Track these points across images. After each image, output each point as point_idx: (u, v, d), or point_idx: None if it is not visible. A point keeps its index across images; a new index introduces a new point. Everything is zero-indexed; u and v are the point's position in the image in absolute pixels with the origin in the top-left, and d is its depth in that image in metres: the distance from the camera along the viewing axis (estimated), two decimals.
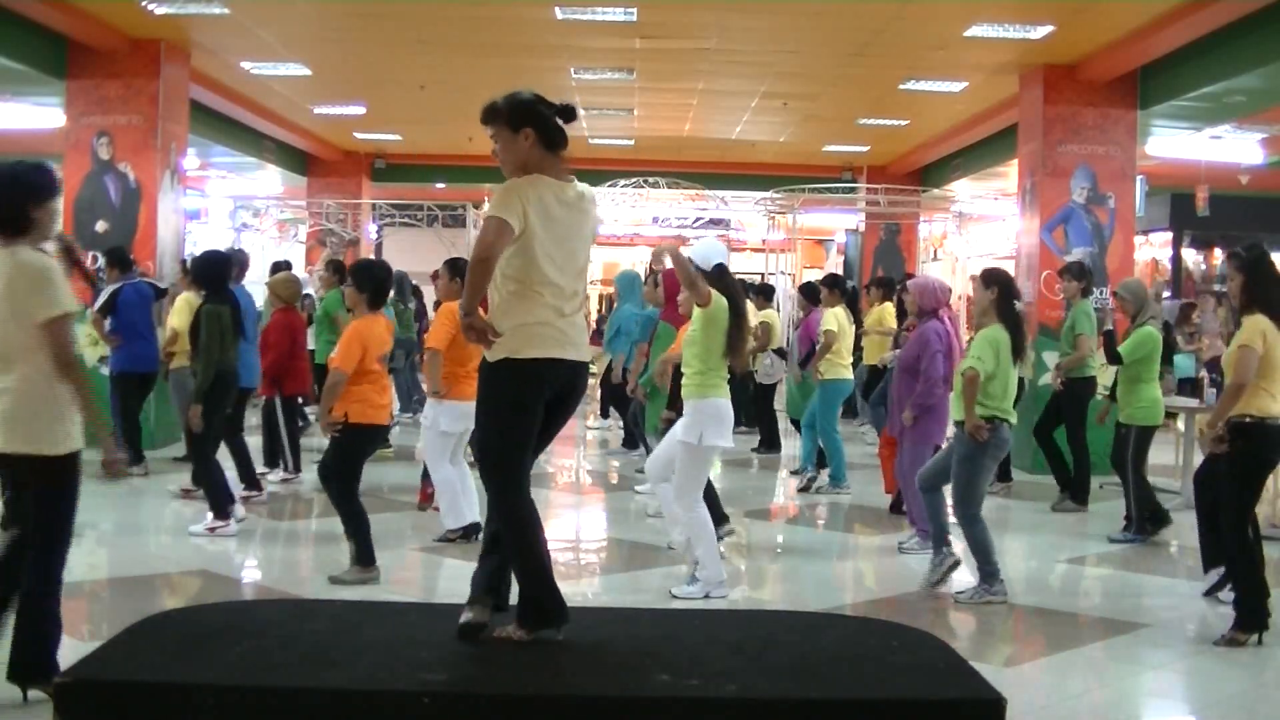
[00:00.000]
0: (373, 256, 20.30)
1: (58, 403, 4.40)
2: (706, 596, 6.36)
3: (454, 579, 6.90)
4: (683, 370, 6.46)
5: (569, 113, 4.29)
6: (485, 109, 4.27)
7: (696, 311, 6.34)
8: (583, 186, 4.33)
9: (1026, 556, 8.22)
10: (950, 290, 8.08)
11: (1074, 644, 5.98)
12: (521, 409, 4.19)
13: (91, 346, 11.60)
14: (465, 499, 7.50)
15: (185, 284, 10.64)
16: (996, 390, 6.46)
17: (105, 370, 11.18)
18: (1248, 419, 5.79)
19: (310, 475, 9.89)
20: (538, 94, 4.30)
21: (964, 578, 6.79)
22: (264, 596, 6.49)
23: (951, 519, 6.82)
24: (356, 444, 6.60)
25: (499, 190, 4.17)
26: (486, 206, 20.58)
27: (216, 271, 8.08)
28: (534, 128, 4.20)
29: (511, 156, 4.23)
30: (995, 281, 6.66)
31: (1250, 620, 5.81)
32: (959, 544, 6.82)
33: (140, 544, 7.84)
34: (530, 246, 4.10)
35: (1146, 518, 8.32)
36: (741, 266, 21.96)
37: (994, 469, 6.74)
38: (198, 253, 9.44)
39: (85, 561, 7.43)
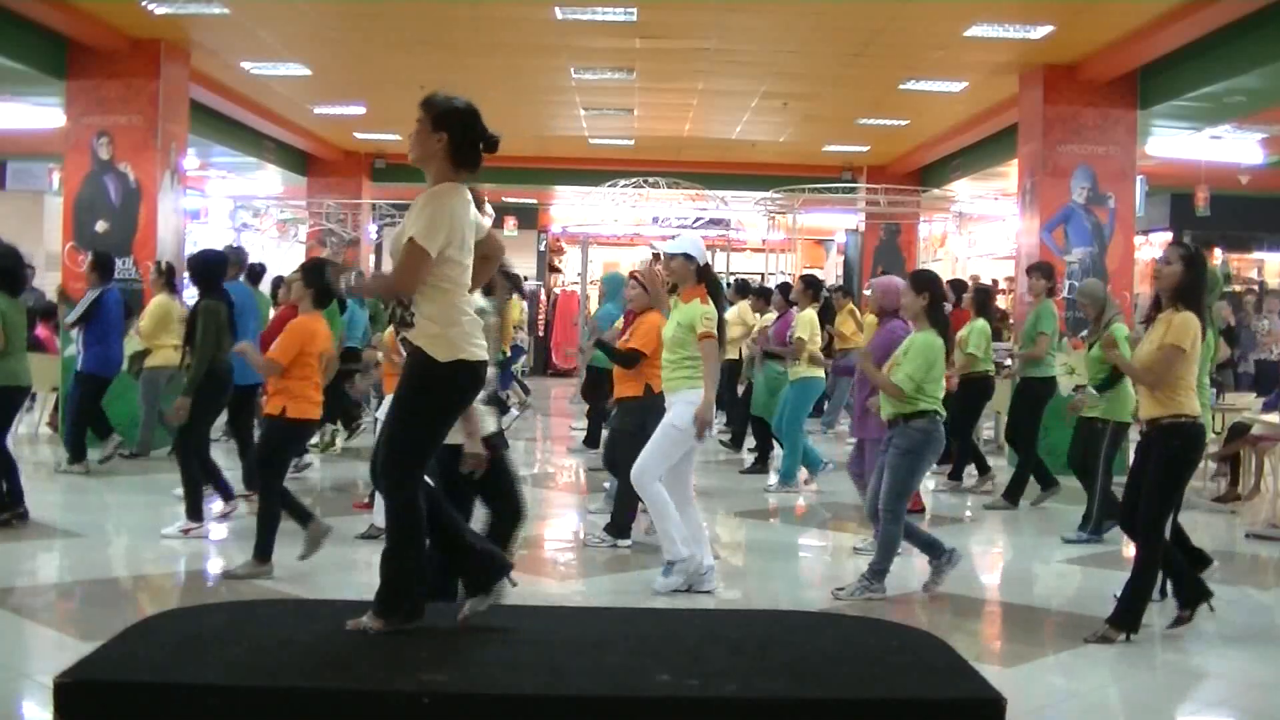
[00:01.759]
0: (373, 257, 20.34)
1: None
2: (690, 589, 6.40)
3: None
4: (662, 365, 6.58)
5: (491, 143, 4.35)
6: (425, 96, 4.39)
7: (710, 322, 6.37)
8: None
9: (1025, 556, 8.22)
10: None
11: (1073, 644, 5.98)
12: (454, 412, 4.39)
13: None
14: None
15: (158, 286, 10.63)
16: (935, 391, 6.49)
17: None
18: (1183, 419, 5.70)
19: (327, 472, 9.94)
20: (476, 112, 4.36)
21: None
22: (264, 596, 6.48)
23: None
24: (290, 437, 6.78)
25: (425, 206, 4.20)
26: (486, 206, 20.52)
27: (212, 270, 8.08)
28: (450, 136, 4.26)
29: (418, 149, 4.35)
30: (926, 286, 6.68)
31: (1127, 619, 5.78)
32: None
33: (139, 544, 7.84)
34: (458, 254, 4.24)
35: (1105, 516, 8.27)
36: (741, 266, 21.96)
37: (931, 466, 6.77)
38: (186, 255, 9.50)
39: (85, 562, 7.44)
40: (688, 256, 6.49)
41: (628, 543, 7.61)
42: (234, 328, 8.08)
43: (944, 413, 6.61)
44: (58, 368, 11.62)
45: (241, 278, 10.16)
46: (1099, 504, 8.23)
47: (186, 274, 8.77)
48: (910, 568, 7.48)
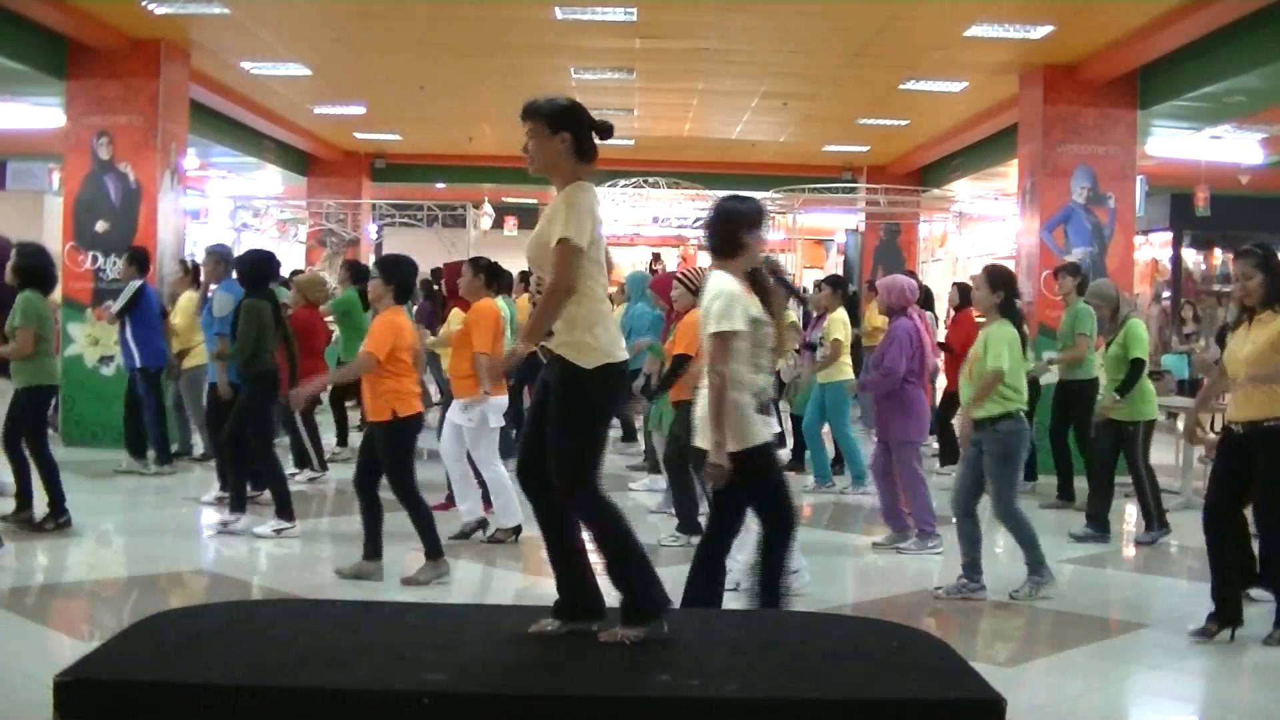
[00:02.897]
0: (372, 257, 20.32)
1: (734, 407, 4.88)
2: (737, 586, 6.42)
3: (457, 579, 6.92)
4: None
5: (605, 130, 4.33)
6: (526, 106, 4.29)
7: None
8: None
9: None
10: (917, 289, 8.20)
11: (1074, 644, 5.98)
12: (609, 416, 4.36)
13: (91, 346, 11.62)
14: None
15: (184, 284, 10.70)
16: (1018, 385, 6.55)
17: (106, 371, 11.20)
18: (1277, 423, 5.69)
19: (336, 474, 9.94)
20: (580, 104, 4.33)
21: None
22: (264, 596, 6.49)
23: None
24: (406, 438, 6.65)
25: (568, 205, 4.13)
26: (486, 206, 20.36)
27: (258, 269, 8.11)
28: (571, 133, 4.23)
29: (542, 156, 4.25)
30: (1002, 284, 6.75)
31: None
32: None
33: (141, 544, 7.84)
34: (597, 254, 4.23)
35: (1157, 512, 8.32)
36: None
37: (1023, 460, 6.87)
38: (201, 252, 9.53)
39: (85, 561, 7.46)
40: None
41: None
42: (280, 327, 8.09)
43: (1025, 406, 6.71)
44: (58, 368, 11.63)
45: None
46: (1153, 501, 8.27)
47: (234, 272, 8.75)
48: (911, 567, 7.49)
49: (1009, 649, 6.11)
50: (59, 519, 7.68)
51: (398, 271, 6.83)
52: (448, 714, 3.66)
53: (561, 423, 4.23)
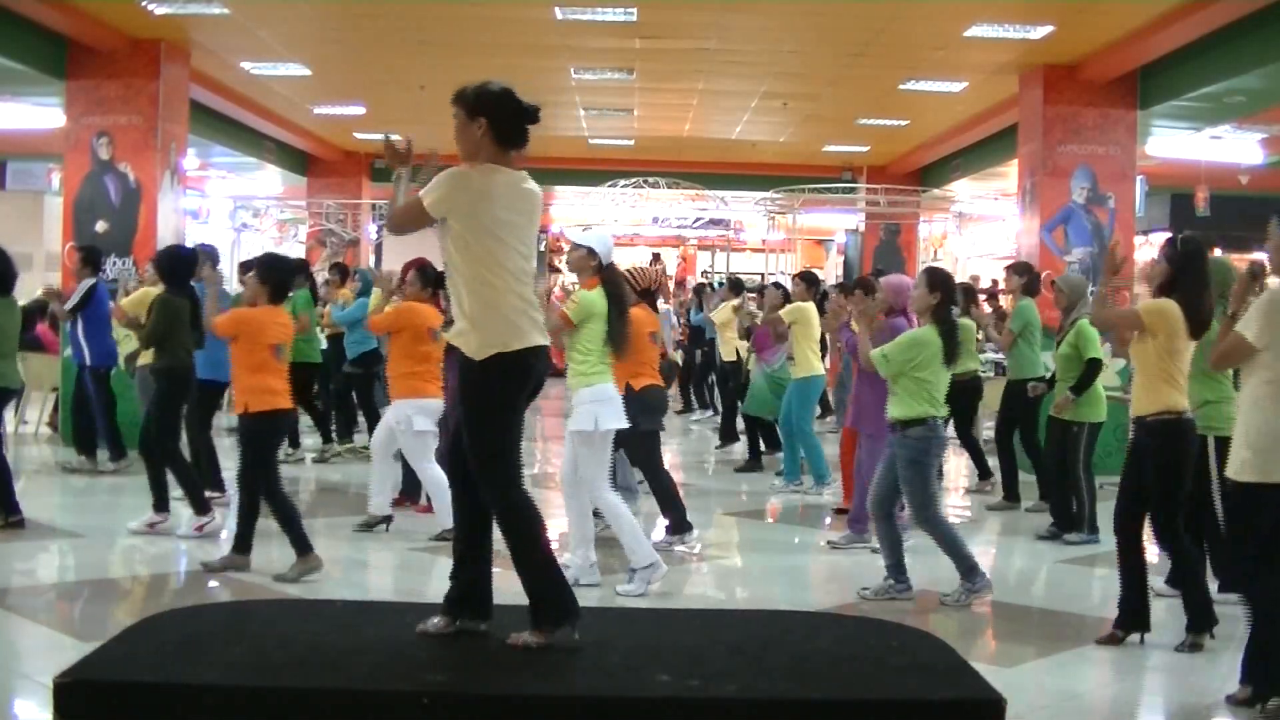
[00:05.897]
0: (372, 257, 20.33)
1: None
2: (648, 586, 6.32)
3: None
4: (567, 361, 6.49)
5: (532, 114, 4.32)
6: (456, 90, 4.34)
7: (575, 305, 6.38)
8: (532, 183, 4.41)
9: (1025, 556, 8.21)
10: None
11: (1074, 644, 5.98)
12: (510, 406, 4.23)
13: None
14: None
15: (152, 282, 10.68)
16: (937, 392, 6.41)
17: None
18: (1167, 416, 5.60)
19: (333, 471, 9.91)
20: (509, 90, 4.33)
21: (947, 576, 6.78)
22: (264, 596, 6.48)
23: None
24: (264, 434, 6.58)
25: (445, 175, 4.25)
26: None
27: (179, 265, 8.07)
28: (488, 119, 4.25)
29: (462, 141, 4.32)
30: (940, 286, 6.53)
31: (1203, 620, 5.75)
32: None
33: (139, 544, 7.83)
34: (498, 234, 4.20)
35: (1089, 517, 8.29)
36: (741, 266, 21.97)
37: (937, 467, 6.74)
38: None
39: (85, 561, 7.45)
40: (590, 251, 6.51)
41: (695, 534, 7.63)
42: (197, 325, 7.99)
43: (943, 413, 6.57)
44: (57, 368, 11.61)
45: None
46: (1089, 504, 8.24)
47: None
48: (910, 567, 7.48)
49: (1009, 649, 6.10)
50: (5, 518, 7.70)
51: (277, 271, 6.83)
52: (448, 714, 3.66)
53: (465, 420, 4.22)
